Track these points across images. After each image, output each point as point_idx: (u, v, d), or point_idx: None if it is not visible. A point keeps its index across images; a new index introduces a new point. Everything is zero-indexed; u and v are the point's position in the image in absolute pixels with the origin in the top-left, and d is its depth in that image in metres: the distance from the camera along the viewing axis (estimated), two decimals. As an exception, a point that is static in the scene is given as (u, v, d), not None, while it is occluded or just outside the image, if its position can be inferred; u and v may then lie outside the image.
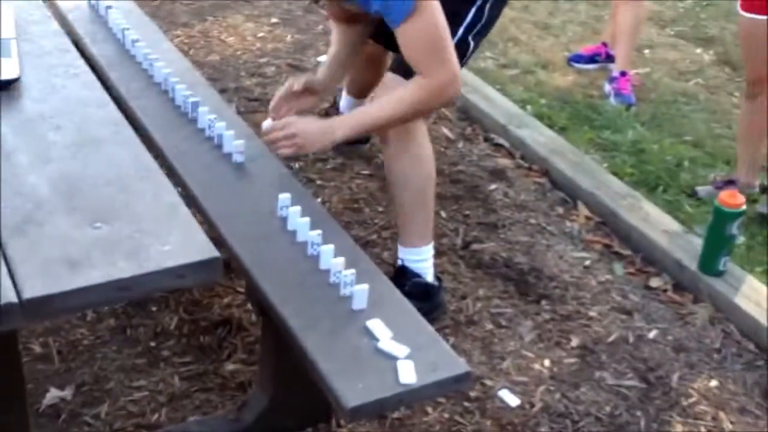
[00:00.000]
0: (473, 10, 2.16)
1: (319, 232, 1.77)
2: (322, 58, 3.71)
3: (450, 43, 1.94)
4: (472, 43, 2.20)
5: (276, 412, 1.88)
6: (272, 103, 2.16)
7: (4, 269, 1.28)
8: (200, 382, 2.06)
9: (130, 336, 2.19)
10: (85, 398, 2.00)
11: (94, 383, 2.04)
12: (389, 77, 2.13)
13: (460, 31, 2.15)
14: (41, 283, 1.26)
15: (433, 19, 1.89)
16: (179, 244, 1.35)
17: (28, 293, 1.24)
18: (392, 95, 2.00)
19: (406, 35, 1.90)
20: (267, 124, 2.03)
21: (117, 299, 1.75)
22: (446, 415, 2.03)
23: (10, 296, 1.23)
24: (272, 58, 3.71)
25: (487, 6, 2.18)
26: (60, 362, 2.09)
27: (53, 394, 1.99)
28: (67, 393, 2.00)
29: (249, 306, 2.23)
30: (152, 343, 2.18)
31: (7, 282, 1.25)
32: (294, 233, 1.81)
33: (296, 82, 2.15)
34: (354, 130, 2.02)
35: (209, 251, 1.34)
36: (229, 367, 2.11)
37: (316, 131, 1.99)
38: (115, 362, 2.11)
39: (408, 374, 1.51)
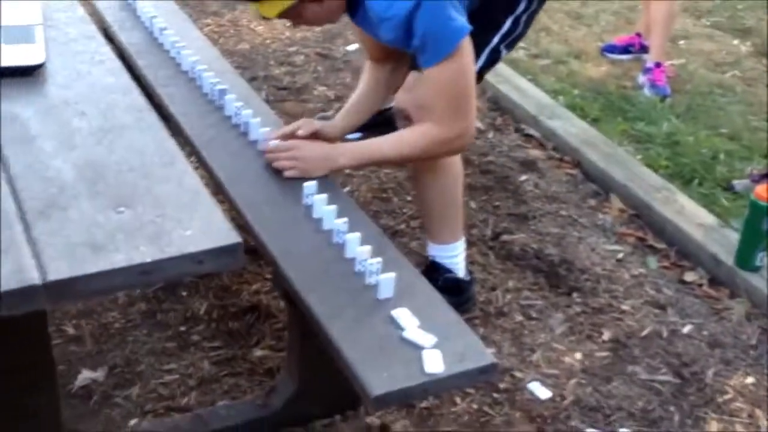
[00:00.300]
0: (510, 20, 2.14)
1: (345, 220, 1.75)
2: (351, 47, 3.71)
3: (473, 99, 1.91)
4: (504, 52, 2.18)
5: (303, 399, 1.88)
6: (275, 134, 2.02)
7: (30, 251, 1.27)
8: (229, 367, 2.06)
9: (160, 320, 2.20)
10: (117, 380, 2.01)
11: (125, 366, 2.05)
12: (413, 76, 2.10)
13: (495, 39, 2.13)
14: (66, 266, 1.26)
15: (466, 71, 1.86)
16: (201, 229, 1.33)
17: (52, 275, 1.24)
18: (402, 137, 1.97)
19: (433, 77, 1.86)
20: (273, 143, 1.99)
21: (139, 283, 1.74)
22: (475, 406, 2.00)
23: (35, 278, 1.23)
24: (301, 47, 3.70)
25: (524, 17, 2.16)
26: (92, 344, 2.11)
27: (85, 376, 2.01)
28: (99, 374, 2.02)
29: (277, 293, 2.23)
30: (182, 328, 2.18)
31: (31, 263, 1.25)
32: (320, 221, 1.79)
33: (304, 127, 2.05)
34: (357, 162, 2.02)
35: (231, 237, 1.32)
36: (258, 353, 2.10)
37: (320, 157, 1.96)
38: (146, 345, 2.12)
39: (434, 364, 1.49)
